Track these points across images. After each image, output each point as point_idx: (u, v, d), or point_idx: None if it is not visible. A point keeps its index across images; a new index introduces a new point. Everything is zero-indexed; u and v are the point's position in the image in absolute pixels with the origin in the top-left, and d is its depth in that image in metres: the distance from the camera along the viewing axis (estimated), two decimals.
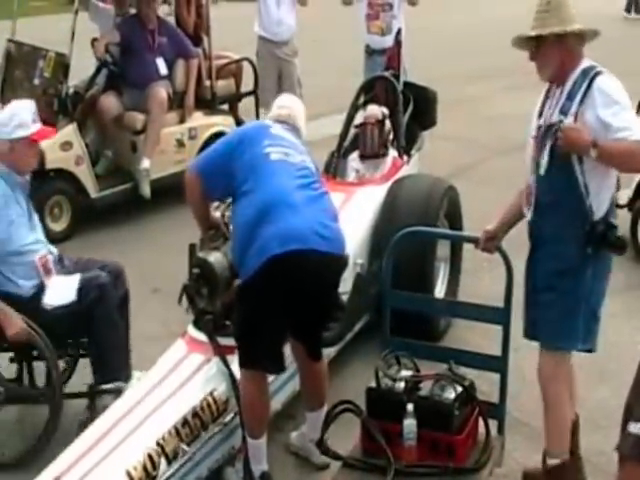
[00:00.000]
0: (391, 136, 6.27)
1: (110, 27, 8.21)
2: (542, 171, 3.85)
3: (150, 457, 3.69)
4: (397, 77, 6.71)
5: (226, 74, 8.79)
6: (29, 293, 4.49)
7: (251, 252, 3.86)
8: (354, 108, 6.57)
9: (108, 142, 7.91)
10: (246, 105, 9.17)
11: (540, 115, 3.96)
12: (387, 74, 6.71)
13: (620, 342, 5.58)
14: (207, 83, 8.54)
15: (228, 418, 4.11)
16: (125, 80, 7.96)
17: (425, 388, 3.90)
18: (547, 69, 3.87)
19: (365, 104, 6.50)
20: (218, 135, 8.39)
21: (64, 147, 7.37)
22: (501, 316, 4.08)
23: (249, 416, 4.05)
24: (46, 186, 7.15)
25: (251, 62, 8.98)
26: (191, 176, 4.15)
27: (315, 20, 12.32)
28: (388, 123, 6.20)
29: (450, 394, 3.85)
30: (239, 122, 8.75)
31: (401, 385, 3.90)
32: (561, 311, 3.90)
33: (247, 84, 9.10)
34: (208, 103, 8.57)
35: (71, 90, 7.63)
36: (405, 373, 3.98)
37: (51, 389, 4.44)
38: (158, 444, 3.75)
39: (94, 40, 8.20)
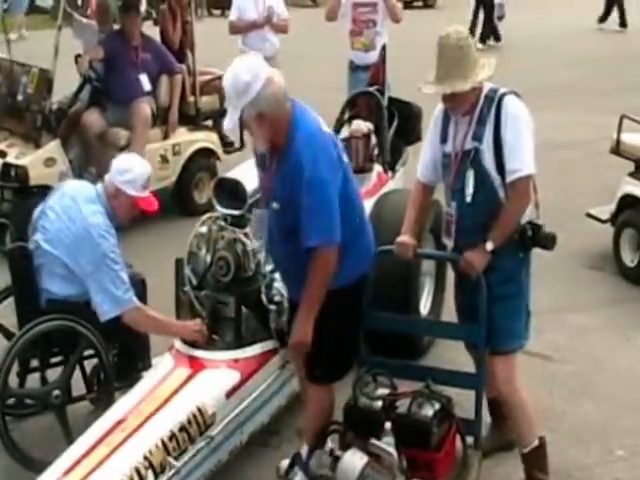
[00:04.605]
0: (376, 151, 6.29)
1: (94, 43, 8.23)
2: (469, 199, 3.96)
3: (137, 471, 3.69)
4: (382, 93, 6.74)
5: (210, 90, 8.79)
6: (86, 298, 4.50)
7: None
8: (339, 124, 6.58)
9: (92, 158, 7.85)
10: None
11: (444, 141, 4.07)
12: (372, 90, 6.73)
13: (603, 357, 5.61)
14: (191, 99, 8.57)
15: (215, 432, 4.10)
16: (109, 96, 7.96)
17: (403, 405, 3.88)
18: (462, 109, 3.98)
19: (350, 119, 6.51)
20: (202, 151, 8.46)
21: (48, 163, 7.39)
22: (476, 333, 4.08)
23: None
24: (30, 203, 7.11)
25: None
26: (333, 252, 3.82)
27: (299, 36, 12.32)
28: (374, 138, 6.22)
29: (428, 411, 3.84)
30: (223, 138, 8.77)
31: (379, 403, 3.89)
32: (510, 315, 4.06)
33: None
34: (192, 119, 8.58)
35: (55, 106, 7.65)
36: (382, 391, 3.96)
37: (107, 388, 4.51)
38: (145, 458, 3.74)
39: (78, 56, 8.21)
